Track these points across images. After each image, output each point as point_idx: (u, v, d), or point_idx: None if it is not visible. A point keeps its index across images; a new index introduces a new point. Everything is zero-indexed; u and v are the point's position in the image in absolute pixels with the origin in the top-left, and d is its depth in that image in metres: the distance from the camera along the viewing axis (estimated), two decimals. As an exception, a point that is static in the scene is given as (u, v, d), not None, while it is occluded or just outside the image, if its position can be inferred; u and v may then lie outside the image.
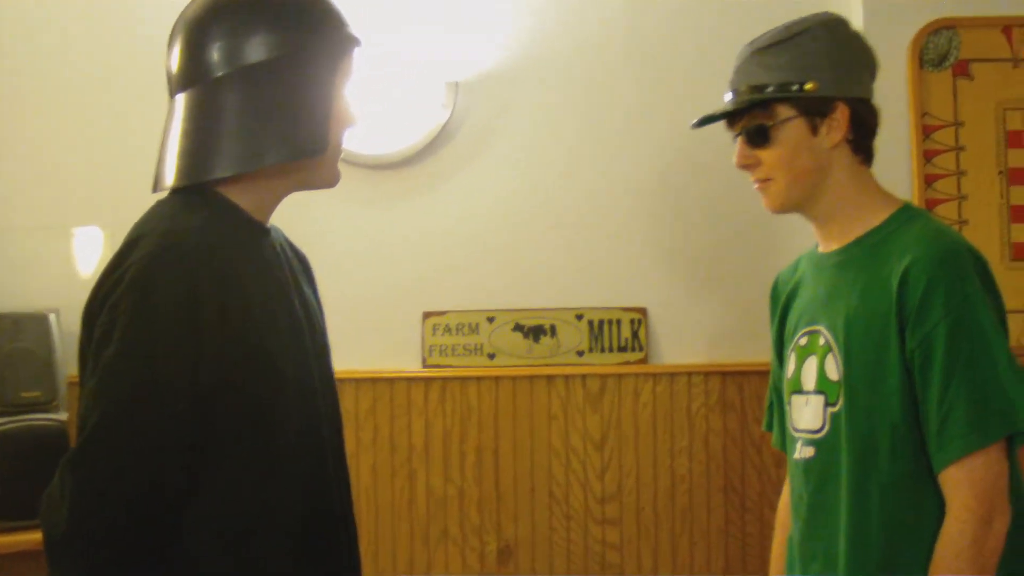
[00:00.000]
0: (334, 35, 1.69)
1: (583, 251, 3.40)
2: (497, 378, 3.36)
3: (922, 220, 1.96)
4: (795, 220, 3.32)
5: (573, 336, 3.36)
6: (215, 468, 1.57)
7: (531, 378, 3.36)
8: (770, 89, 1.97)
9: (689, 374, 3.34)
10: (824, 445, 1.96)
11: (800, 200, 2.02)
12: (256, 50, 1.62)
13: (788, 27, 2.01)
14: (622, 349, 3.35)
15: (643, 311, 3.37)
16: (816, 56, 1.96)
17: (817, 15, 2.03)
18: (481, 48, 3.42)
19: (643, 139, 3.41)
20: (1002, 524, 1.80)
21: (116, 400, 1.51)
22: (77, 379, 3.08)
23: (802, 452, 2.01)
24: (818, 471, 1.98)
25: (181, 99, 1.67)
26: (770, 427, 2.25)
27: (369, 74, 3.33)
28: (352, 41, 1.72)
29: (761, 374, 3.31)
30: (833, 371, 1.95)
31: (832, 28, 2.01)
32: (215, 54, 1.64)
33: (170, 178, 1.66)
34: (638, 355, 3.35)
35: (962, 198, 3.17)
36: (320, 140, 1.65)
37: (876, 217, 1.98)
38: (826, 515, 1.96)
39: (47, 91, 3.51)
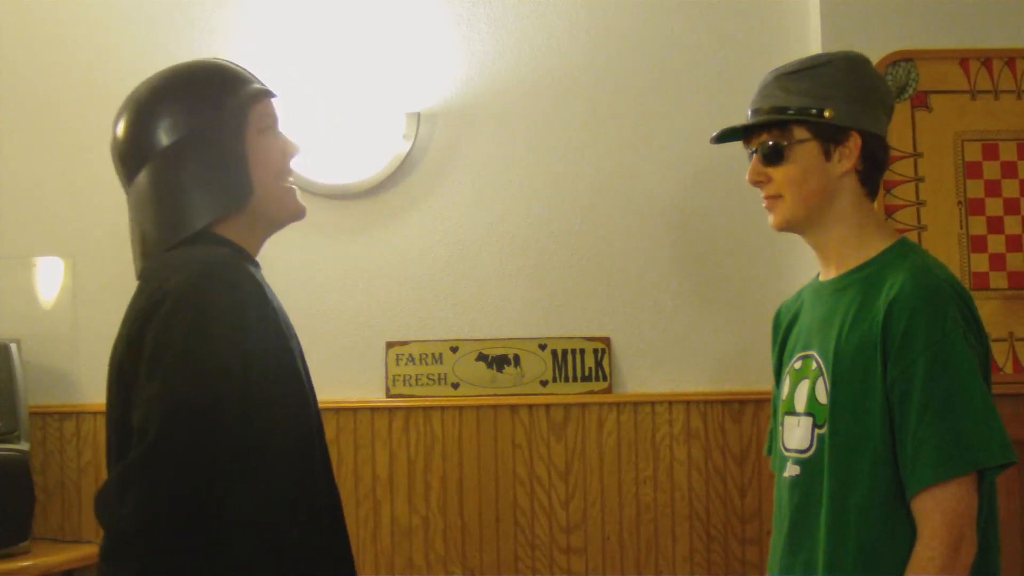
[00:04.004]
0: (237, 95, 1.89)
1: (546, 281, 3.41)
2: (461, 408, 3.36)
3: (914, 256, 2.01)
4: (759, 252, 3.36)
5: (537, 366, 3.36)
6: (254, 462, 1.72)
7: (495, 407, 3.36)
8: (790, 111, 2.03)
9: (653, 403, 3.35)
10: (809, 465, 2.01)
11: (804, 220, 2.07)
12: (176, 130, 1.85)
13: (813, 58, 2.09)
14: (586, 378, 3.36)
15: (607, 340, 3.37)
16: (836, 87, 2.03)
17: (841, 51, 2.11)
18: (442, 79, 3.43)
19: (601, 170, 3.42)
20: (968, 554, 1.84)
21: (178, 406, 1.64)
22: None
23: (790, 471, 2.07)
24: (802, 489, 2.03)
25: (130, 193, 1.90)
26: (771, 451, 2.28)
27: (330, 104, 3.34)
28: (255, 95, 1.91)
29: (725, 403, 3.33)
30: (822, 394, 2.00)
31: (854, 64, 2.08)
32: (143, 143, 1.87)
33: (137, 260, 1.89)
34: (602, 384, 3.35)
35: (921, 228, 3.20)
36: (244, 186, 1.86)
37: (872, 249, 2.04)
38: (806, 533, 2.01)
39: (8, 122, 3.49)
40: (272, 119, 1.94)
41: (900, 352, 1.88)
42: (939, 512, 1.83)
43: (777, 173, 2.05)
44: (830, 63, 2.06)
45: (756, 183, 2.09)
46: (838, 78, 2.04)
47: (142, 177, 1.86)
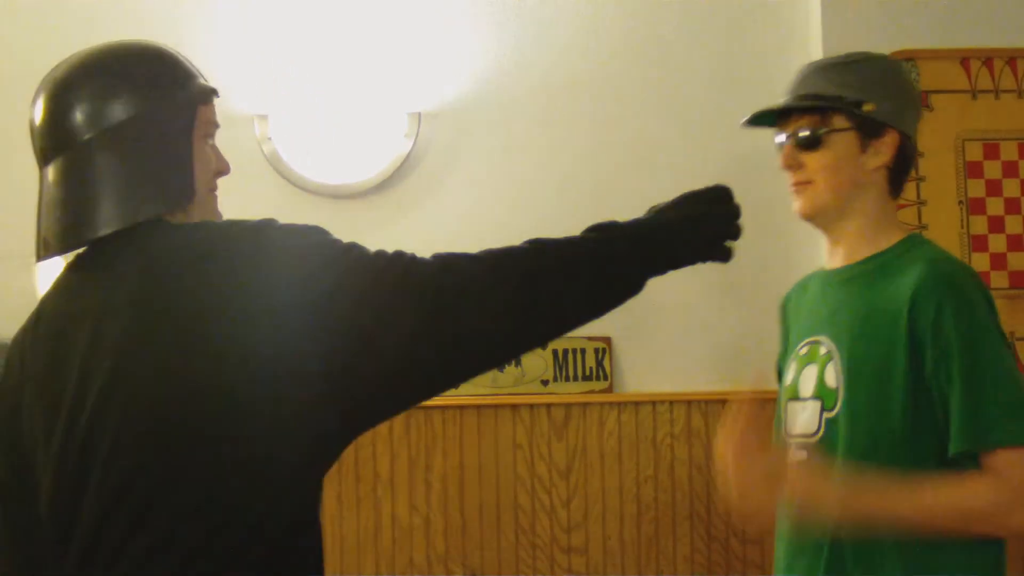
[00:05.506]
0: (187, 89, 1.70)
1: (548, 280, 3.40)
2: (462, 407, 3.36)
3: (928, 246, 2.05)
4: (761, 252, 3.36)
5: (538, 365, 3.36)
6: None
7: (496, 407, 3.36)
8: (830, 99, 2.05)
9: (654, 403, 3.35)
10: (817, 450, 2.01)
11: (831, 210, 2.07)
12: (118, 112, 1.63)
13: (853, 54, 2.11)
14: (587, 378, 3.36)
15: (607, 340, 3.37)
16: (877, 84, 2.05)
17: (877, 52, 2.15)
18: (443, 78, 3.43)
19: (603, 170, 3.42)
20: (1020, 522, 1.86)
21: None
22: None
23: (794, 456, 2.05)
24: None
25: (50, 169, 1.69)
26: None
27: (331, 104, 3.34)
28: (207, 92, 1.73)
29: (726, 403, 3.32)
30: (832, 378, 1.99)
31: (894, 64, 2.14)
32: (79, 119, 1.65)
33: (55, 244, 1.70)
34: (603, 384, 3.35)
35: (923, 227, 3.20)
36: (188, 188, 1.66)
37: (886, 241, 2.06)
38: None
39: (8, 122, 3.48)
40: (214, 126, 1.74)
41: (934, 341, 1.88)
42: (1019, 473, 1.84)
43: (811, 159, 2.05)
44: (871, 60, 2.08)
45: (788, 168, 2.09)
46: (879, 76, 2.06)
47: (59, 164, 1.67)
